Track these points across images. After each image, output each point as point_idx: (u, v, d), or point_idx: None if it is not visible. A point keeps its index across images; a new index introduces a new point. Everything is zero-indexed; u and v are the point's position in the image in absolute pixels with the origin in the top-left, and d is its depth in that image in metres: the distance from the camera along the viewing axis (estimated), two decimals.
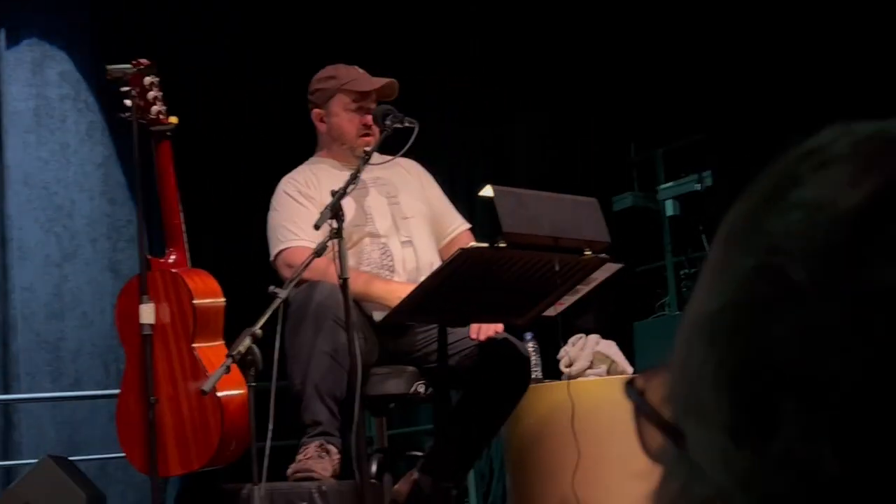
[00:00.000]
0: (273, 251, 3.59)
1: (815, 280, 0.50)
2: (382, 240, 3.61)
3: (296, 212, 3.57)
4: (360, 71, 3.76)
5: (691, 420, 0.53)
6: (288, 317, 3.36)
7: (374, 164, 3.57)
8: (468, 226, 3.89)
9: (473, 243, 3.25)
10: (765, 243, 0.52)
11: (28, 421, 5.35)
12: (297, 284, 3.31)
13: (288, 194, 3.64)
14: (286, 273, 3.37)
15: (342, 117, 3.71)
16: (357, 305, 3.39)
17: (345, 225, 3.29)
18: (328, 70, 3.80)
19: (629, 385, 0.56)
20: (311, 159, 3.80)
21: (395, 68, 3.87)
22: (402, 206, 3.69)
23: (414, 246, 3.64)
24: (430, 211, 3.77)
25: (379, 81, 3.72)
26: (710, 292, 0.53)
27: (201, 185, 5.58)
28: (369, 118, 3.65)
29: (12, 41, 5.52)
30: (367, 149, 3.46)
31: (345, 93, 3.71)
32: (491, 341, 3.48)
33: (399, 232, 3.64)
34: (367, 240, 3.60)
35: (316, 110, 3.76)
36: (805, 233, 0.51)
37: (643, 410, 0.56)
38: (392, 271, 3.58)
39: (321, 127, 3.76)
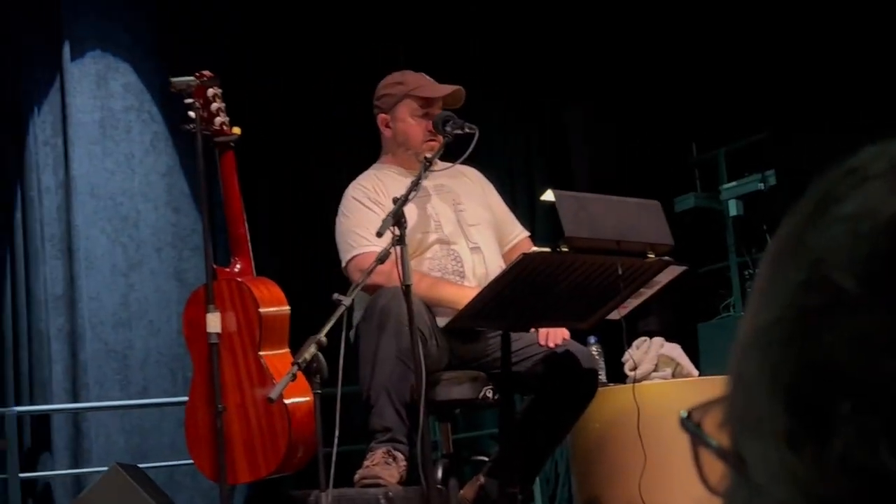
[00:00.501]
0: (345, 257, 3.59)
1: (862, 287, 0.52)
2: (452, 246, 3.62)
3: (366, 217, 3.57)
4: (428, 78, 3.77)
5: (749, 434, 0.54)
6: (360, 321, 3.40)
7: (436, 171, 3.59)
8: (527, 234, 3.90)
9: (535, 248, 3.25)
10: (811, 257, 0.54)
11: (97, 429, 5.44)
12: (369, 290, 3.36)
13: (357, 200, 3.65)
14: (372, 278, 3.38)
15: (408, 123, 3.71)
16: (428, 310, 3.41)
17: (413, 231, 3.32)
18: (396, 76, 3.81)
19: (686, 419, 0.58)
20: (376, 165, 3.81)
21: (440, 72, 3.87)
22: (467, 213, 3.70)
23: (482, 252, 3.64)
24: (493, 218, 3.79)
25: (446, 88, 3.72)
26: (761, 307, 0.55)
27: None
28: (432, 125, 3.67)
29: (77, 54, 5.61)
30: (429, 155, 3.47)
31: (412, 98, 3.71)
32: (559, 348, 3.48)
33: (467, 238, 3.65)
34: (436, 246, 3.61)
35: (382, 115, 3.77)
36: (849, 243, 0.53)
37: (701, 441, 0.57)
38: (462, 277, 3.58)
39: (386, 132, 3.77)
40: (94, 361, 5.48)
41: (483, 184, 3.88)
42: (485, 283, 3.42)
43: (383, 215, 3.34)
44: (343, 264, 3.60)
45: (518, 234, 3.86)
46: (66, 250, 5.45)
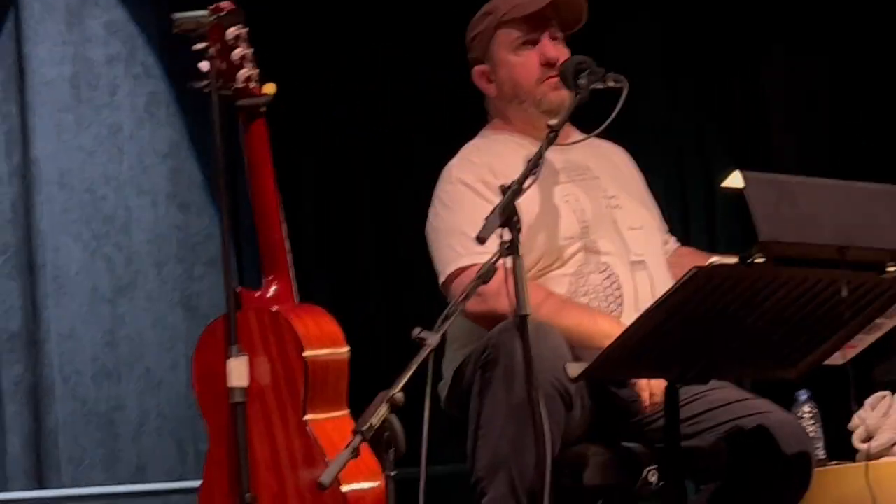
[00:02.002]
0: (445, 269, 3.62)
1: None
2: (604, 258, 3.64)
3: (481, 210, 3.55)
4: None
5: None
6: (467, 368, 3.42)
7: (567, 144, 3.62)
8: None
9: (716, 259, 3.23)
10: None
11: None
12: (481, 320, 3.40)
13: (465, 184, 3.68)
14: (472, 304, 3.37)
15: (512, 62, 3.76)
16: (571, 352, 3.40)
17: (538, 234, 3.42)
18: (484, 8, 3.84)
19: None
20: (485, 133, 3.86)
21: None
22: (625, 211, 3.73)
23: (649, 269, 3.67)
24: (655, 220, 3.83)
25: None
26: None
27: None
28: (549, 48, 3.69)
29: None
30: (553, 123, 3.46)
31: (508, 26, 3.76)
32: (752, 417, 3.48)
33: (628, 248, 3.67)
34: (580, 256, 3.63)
35: (478, 67, 3.82)
36: None
37: None
38: (620, 305, 3.61)
39: (489, 89, 3.82)
40: (67, 429, 5.53)
41: (631, 167, 3.93)
42: None
43: (497, 198, 3.32)
44: (441, 279, 3.63)
45: (672, 243, 3.93)
46: (24, 266, 5.51)
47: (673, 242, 3.95)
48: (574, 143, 3.67)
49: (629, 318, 3.50)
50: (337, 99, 6.23)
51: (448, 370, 3.60)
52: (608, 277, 3.63)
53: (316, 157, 6.18)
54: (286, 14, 6.05)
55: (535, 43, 3.75)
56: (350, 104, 6.26)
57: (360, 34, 6.25)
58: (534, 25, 3.75)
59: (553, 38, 3.76)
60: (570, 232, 3.63)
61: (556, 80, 3.69)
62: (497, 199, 3.47)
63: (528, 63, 3.74)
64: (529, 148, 3.61)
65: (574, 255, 3.63)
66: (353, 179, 6.31)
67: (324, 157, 6.23)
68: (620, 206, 3.73)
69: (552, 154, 3.57)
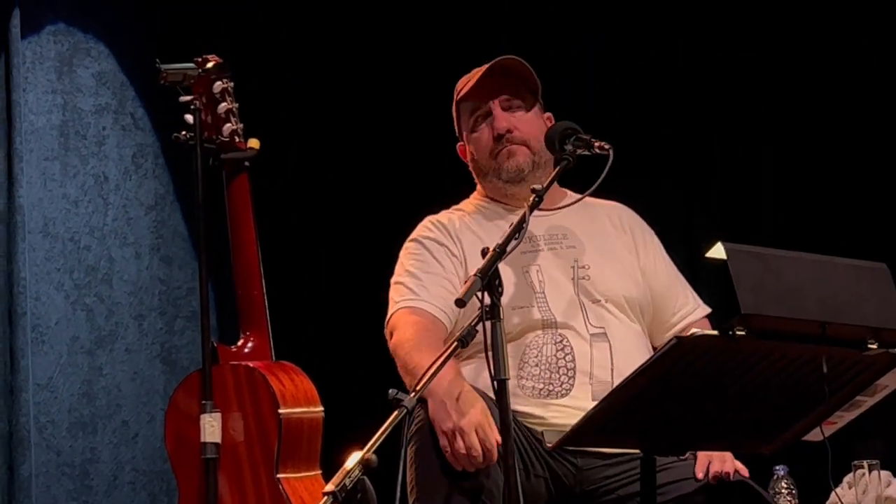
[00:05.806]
0: (386, 318, 3.68)
1: None
2: (561, 331, 3.64)
3: (423, 263, 3.68)
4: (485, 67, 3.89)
5: None
6: (415, 432, 3.38)
7: (547, 211, 3.65)
8: (708, 310, 3.93)
9: (696, 330, 3.21)
10: None
11: None
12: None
13: (418, 241, 3.78)
14: (390, 346, 3.48)
15: (472, 138, 3.90)
16: (516, 423, 3.39)
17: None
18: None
19: None
20: (464, 203, 3.95)
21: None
22: (594, 281, 3.72)
23: (609, 340, 3.66)
24: (640, 287, 3.81)
25: (478, 71, 3.84)
26: None
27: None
28: (499, 120, 3.77)
29: (31, 27, 5.66)
30: (537, 188, 3.45)
31: (465, 101, 3.89)
32: (723, 485, 3.44)
33: (586, 318, 3.67)
34: (539, 331, 3.63)
35: (459, 144, 3.97)
36: None
37: None
38: (572, 377, 3.58)
39: (469, 163, 3.95)
40: (41, 480, 5.50)
41: (637, 232, 3.94)
42: (609, 389, 3.38)
43: (448, 265, 3.52)
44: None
45: (691, 311, 3.90)
46: (3, 314, 5.48)
47: (692, 309, 3.93)
48: (556, 208, 3.70)
49: (582, 390, 3.56)
50: (406, 100, 6.13)
51: None
52: (562, 349, 3.63)
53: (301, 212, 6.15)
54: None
55: (484, 119, 3.85)
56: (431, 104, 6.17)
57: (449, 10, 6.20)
58: (483, 98, 3.85)
59: (507, 108, 3.84)
60: (520, 301, 3.65)
61: (506, 149, 3.79)
62: (443, 255, 3.54)
63: (482, 138, 3.85)
64: (504, 217, 3.74)
65: (525, 326, 3.64)
66: (339, 238, 6.25)
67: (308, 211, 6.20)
68: (590, 276, 3.73)
69: (532, 220, 3.59)
